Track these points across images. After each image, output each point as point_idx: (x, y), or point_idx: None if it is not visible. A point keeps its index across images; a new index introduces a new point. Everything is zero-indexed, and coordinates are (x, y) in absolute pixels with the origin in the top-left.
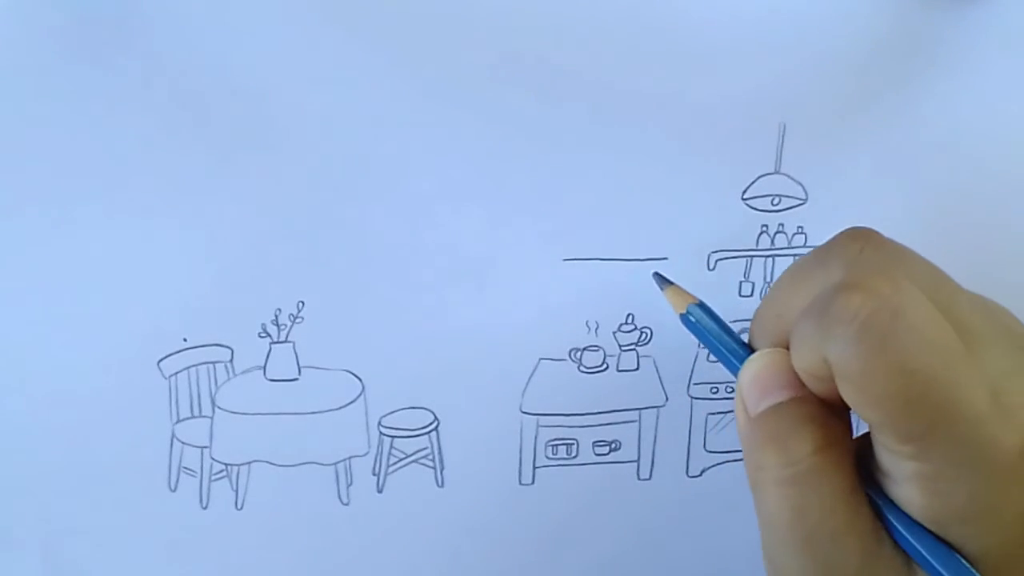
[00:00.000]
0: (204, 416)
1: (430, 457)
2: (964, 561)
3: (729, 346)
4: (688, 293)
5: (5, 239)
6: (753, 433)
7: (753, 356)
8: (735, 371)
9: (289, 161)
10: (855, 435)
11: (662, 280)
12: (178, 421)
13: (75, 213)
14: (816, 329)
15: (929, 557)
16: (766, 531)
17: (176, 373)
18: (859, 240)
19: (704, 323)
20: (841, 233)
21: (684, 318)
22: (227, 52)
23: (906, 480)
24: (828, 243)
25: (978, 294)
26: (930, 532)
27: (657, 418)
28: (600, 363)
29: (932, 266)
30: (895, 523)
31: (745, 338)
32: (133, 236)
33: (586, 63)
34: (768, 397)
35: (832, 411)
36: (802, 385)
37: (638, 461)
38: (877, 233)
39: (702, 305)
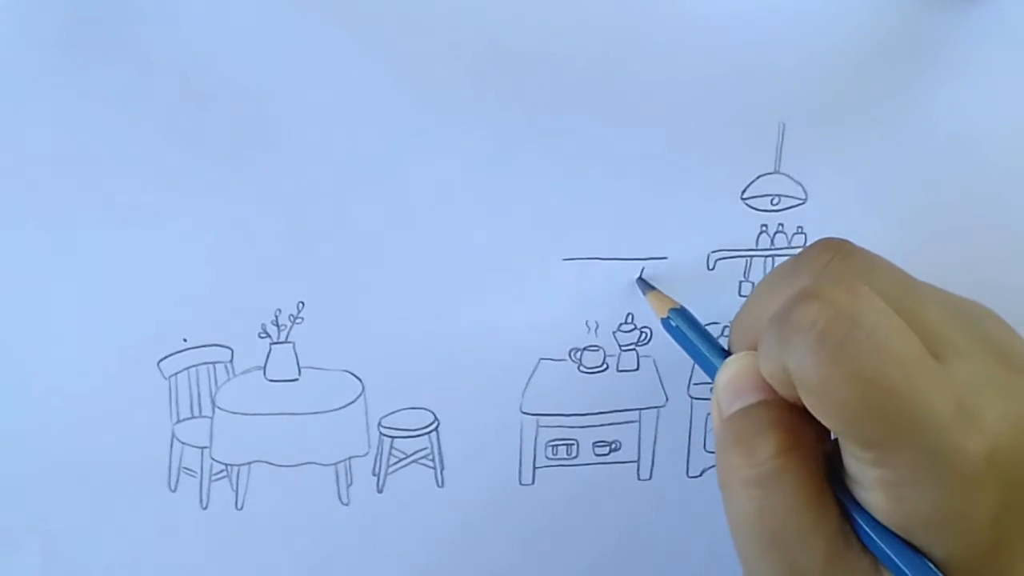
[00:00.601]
0: (204, 416)
1: (430, 457)
2: (931, 564)
3: (709, 351)
4: (669, 298)
5: (6, 239)
6: (723, 435)
7: (729, 359)
8: (713, 375)
9: (289, 162)
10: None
11: (644, 285)
12: (178, 421)
13: (75, 214)
14: (776, 338)
15: (897, 560)
16: (734, 531)
17: (176, 373)
18: (830, 251)
19: (684, 328)
20: (814, 243)
21: (665, 323)
22: (228, 53)
23: (870, 486)
24: (802, 253)
25: (966, 299)
26: (897, 536)
27: (657, 418)
28: (600, 363)
29: (903, 275)
30: (862, 525)
31: (725, 343)
32: (133, 237)
33: (586, 63)
34: (739, 399)
35: (802, 415)
36: (772, 389)
37: (638, 461)
38: (849, 243)
39: (683, 310)
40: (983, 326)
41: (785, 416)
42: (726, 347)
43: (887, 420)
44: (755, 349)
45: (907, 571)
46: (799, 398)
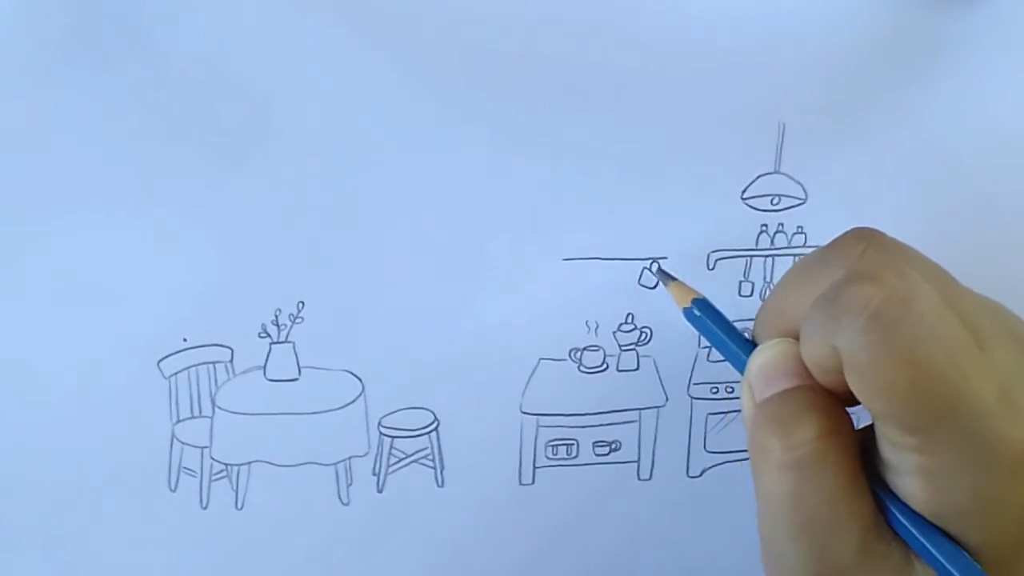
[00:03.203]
0: (204, 416)
1: (430, 457)
2: (967, 554)
3: (734, 340)
4: (691, 288)
5: (6, 239)
6: (758, 417)
7: (763, 345)
8: (739, 365)
9: (290, 161)
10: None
11: (665, 275)
12: (178, 421)
13: (76, 213)
14: (826, 318)
15: (932, 549)
16: (765, 515)
17: (176, 373)
18: (863, 240)
19: (708, 318)
20: (845, 233)
21: (688, 312)
22: (228, 54)
23: (909, 473)
24: (832, 242)
25: (982, 295)
26: (932, 524)
27: (657, 418)
28: (600, 363)
29: (937, 266)
30: (897, 514)
31: (747, 335)
32: (133, 236)
33: (586, 63)
34: (775, 384)
35: (838, 402)
36: (810, 375)
37: (638, 461)
38: (881, 233)
39: (705, 301)
40: (1009, 321)
41: (824, 401)
42: (748, 338)
43: (934, 404)
44: (784, 338)
45: (942, 560)
46: (837, 384)
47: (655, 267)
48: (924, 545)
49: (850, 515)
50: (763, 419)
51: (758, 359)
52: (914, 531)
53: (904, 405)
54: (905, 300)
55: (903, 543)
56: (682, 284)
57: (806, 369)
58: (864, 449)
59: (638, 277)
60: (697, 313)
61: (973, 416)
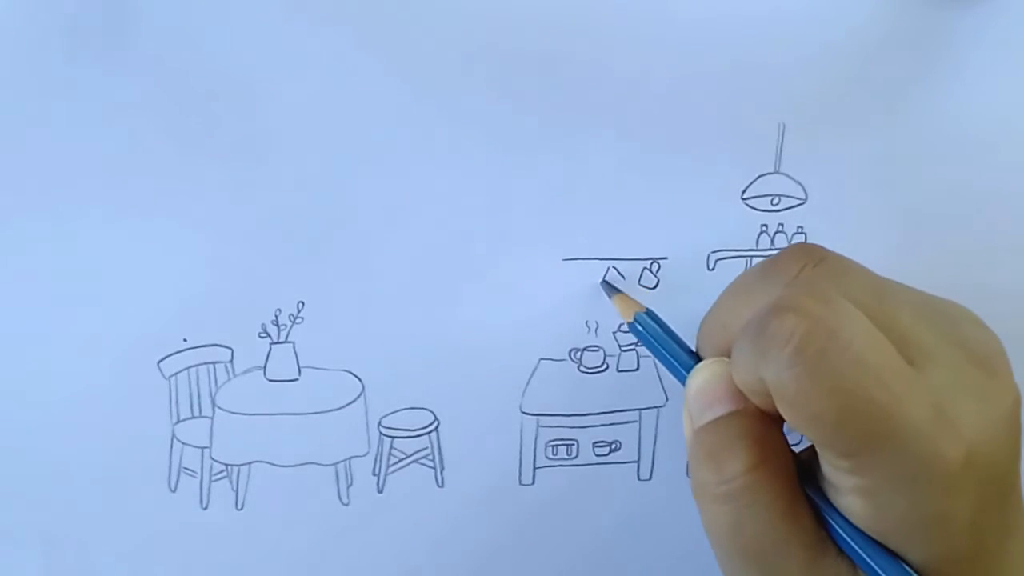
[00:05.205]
0: (204, 416)
1: (430, 457)
2: (908, 568)
3: (677, 354)
4: (635, 301)
5: (6, 239)
6: (694, 448)
7: (700, 365)
8: (682, 379)
9: (289, 161)
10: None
11: (609, 288)
12: (178, 421)
13: (75, 213)
14: (752, 350)
15: (875, 565)
16: (712, 544)
17: (176, 373)
18: (803, 257)
19: (651, 332)
20: (787, 249)
21: (632, 326)
22: (227, 53)
23: (848, 492)
24: (774, 258)
25: (943, 300)
26: (875, 540)
27: (657, 418)
28: (600, 363)
29: (878, 280)
30: (840, 531)
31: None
32: (133, 236)
33: (586, 63)
34: (710, 409)
35: (773, 423)
36: (744, 398)
37: (638, 461)
38: (822, 249)
39: (650, 313)
40: (959, 328)
41: (756, 427)
42: (694, 348)
43: (865, 431)
44: (724, 354)
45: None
46: (773, 406)
47: (605, 276)
48: (864, 559)
49: (791, 538)
50: (698, 451)
51: (695, 381)
52: (856, 548)
53: (835, 434)
54: (830, 329)
55: (849, 557)
56: (627, 297)
57: (740, 392)
58: (809, 466)
59: (638, 277)
60: (640, 328)
61: (906, 438)
